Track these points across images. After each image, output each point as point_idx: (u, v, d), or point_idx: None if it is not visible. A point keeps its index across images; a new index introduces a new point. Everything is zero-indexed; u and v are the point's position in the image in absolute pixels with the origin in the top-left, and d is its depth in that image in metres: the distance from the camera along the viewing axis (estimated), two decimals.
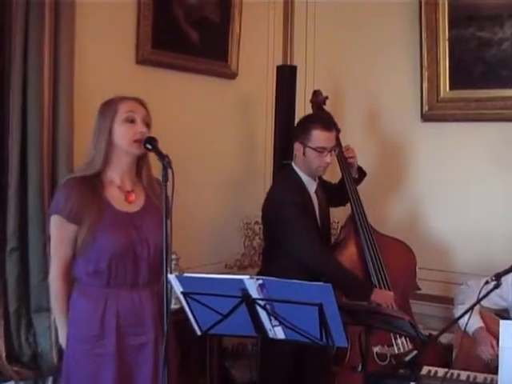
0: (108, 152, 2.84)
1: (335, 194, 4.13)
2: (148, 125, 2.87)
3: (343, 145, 4.20)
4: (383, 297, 3.78)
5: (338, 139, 4.10)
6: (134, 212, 2.91)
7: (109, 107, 2.85)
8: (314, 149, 3.79)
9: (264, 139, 5.02)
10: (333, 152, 3.86)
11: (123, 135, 2.81)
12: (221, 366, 4.34)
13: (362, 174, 4.21)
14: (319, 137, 3.79)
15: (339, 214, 4.30)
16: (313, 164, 3.83)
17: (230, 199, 4.79)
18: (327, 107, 4.35)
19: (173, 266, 3.71)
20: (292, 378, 3.93)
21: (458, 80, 4.59)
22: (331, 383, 3.85)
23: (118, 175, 2.90)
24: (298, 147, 3.88)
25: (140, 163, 2.95)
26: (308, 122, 3.89)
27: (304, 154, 3.83)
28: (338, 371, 3.82)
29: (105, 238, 2.78)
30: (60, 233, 2.82)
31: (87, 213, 2.77)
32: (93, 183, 2.83)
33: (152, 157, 2.81)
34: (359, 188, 4.19)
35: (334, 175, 4.28)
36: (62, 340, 2.94)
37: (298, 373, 3.95)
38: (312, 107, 4.34)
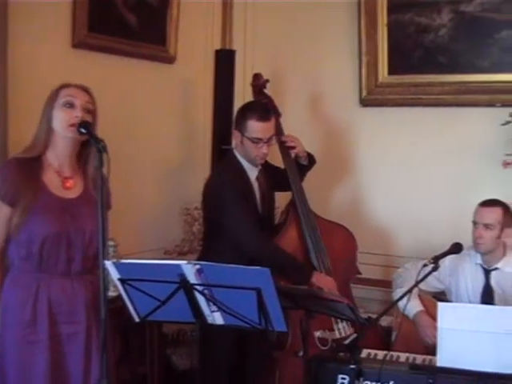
0: (47, 136, 2.84)
1: (281, 178, 4.09)
2: (90, 111, 2.86)
3: (284, 130, 4.18)
4: (324, 281, 3.78)
5: (278, 123, 4.09)
6: (71, 199, 2.90)
7: (51, 94, 2.86)
8: (250, 139, 3.77)
9: (203, 124, 4.98)
10: (272, 141, 3.85)
11: (60, 119, 2.81)
12: (162, 354, 4.31)
13: (311, 160, 4.17)
14: (255, 127, 3.77)
15: (279, 199, 4.29)
16: (250, 153, 3.82)
17: (169, 185, 4.74)
18: (268, 91, 4.32)
19: (111, 252, 3.66)
20: (234, 364, 3.93)
21: (397, 65, 4.63)
22: (273, 368, 3.86)
23: (56, 159, 2.88)
24: (236, 135, 3.86)
25: (84, 152, 2.93)
26: (245, 110, 3.86)
27: (242, 142, 3.82)
28: (280, 356, 3.82)
29: (37, 221, 2.77)
30: None
31: (22, 195, 2.77)
32: (32, 165, 2.83)
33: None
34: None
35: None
36: None
37: (240, 359, 3.95)
38: (252, 91, 4.30)
